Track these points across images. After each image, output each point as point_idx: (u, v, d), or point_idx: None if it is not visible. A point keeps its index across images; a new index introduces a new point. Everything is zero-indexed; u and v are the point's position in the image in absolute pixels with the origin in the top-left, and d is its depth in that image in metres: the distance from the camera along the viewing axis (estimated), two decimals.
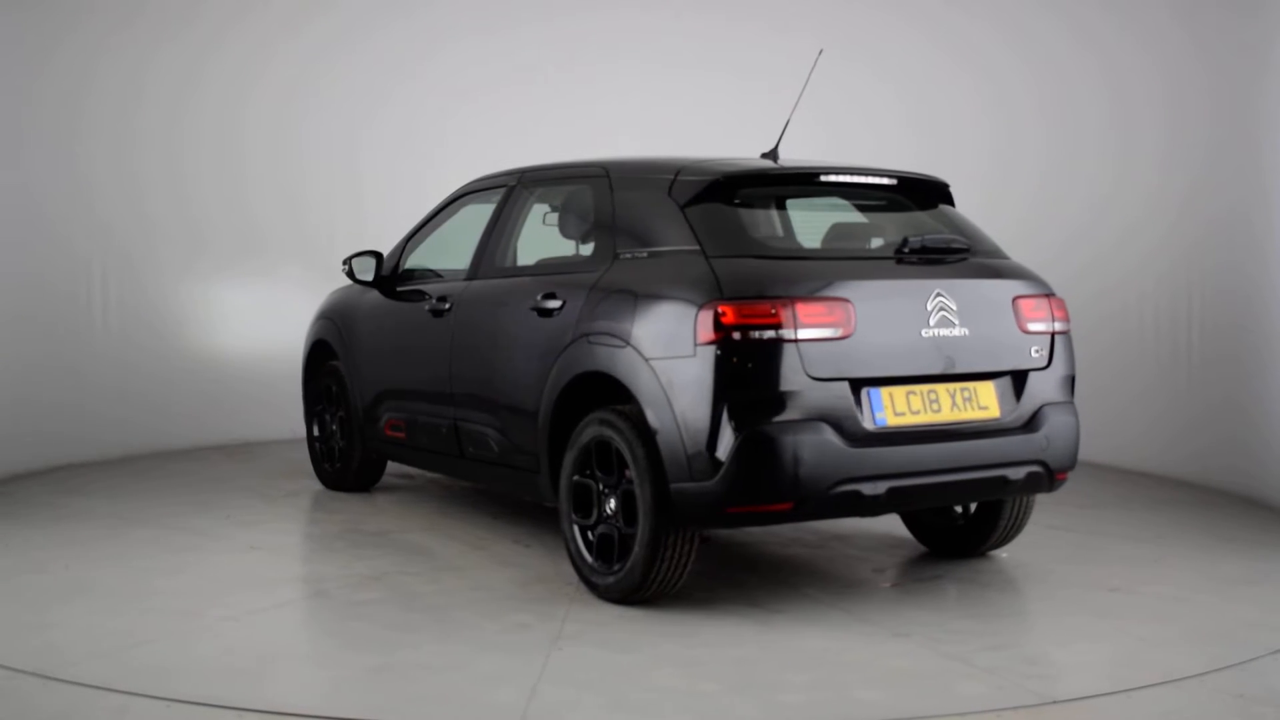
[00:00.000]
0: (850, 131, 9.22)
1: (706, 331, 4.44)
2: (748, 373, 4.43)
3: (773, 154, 5.46)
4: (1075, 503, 6.94)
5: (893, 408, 4.64)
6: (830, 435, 4.46)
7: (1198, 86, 7.76)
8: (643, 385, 4.65)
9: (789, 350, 4.44)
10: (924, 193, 5.44)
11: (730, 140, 7.97)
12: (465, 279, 5.96)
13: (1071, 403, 5.14)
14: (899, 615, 4.70)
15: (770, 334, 4.43)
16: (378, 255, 6.61)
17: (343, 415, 6.98)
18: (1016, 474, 4.90)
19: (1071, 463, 5.12)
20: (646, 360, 4.64)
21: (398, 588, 5.07)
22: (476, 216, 6.21)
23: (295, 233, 9.26)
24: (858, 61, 9.30)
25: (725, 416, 4.42)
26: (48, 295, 7.87)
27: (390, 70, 9.46)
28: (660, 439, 4.57)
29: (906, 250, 4.91)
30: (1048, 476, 5.02)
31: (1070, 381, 5.17)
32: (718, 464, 4.41)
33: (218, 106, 8.90)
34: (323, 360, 7.21)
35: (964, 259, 5.06)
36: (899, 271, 4.84)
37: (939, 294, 4.74)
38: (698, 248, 4.72)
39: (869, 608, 4.80)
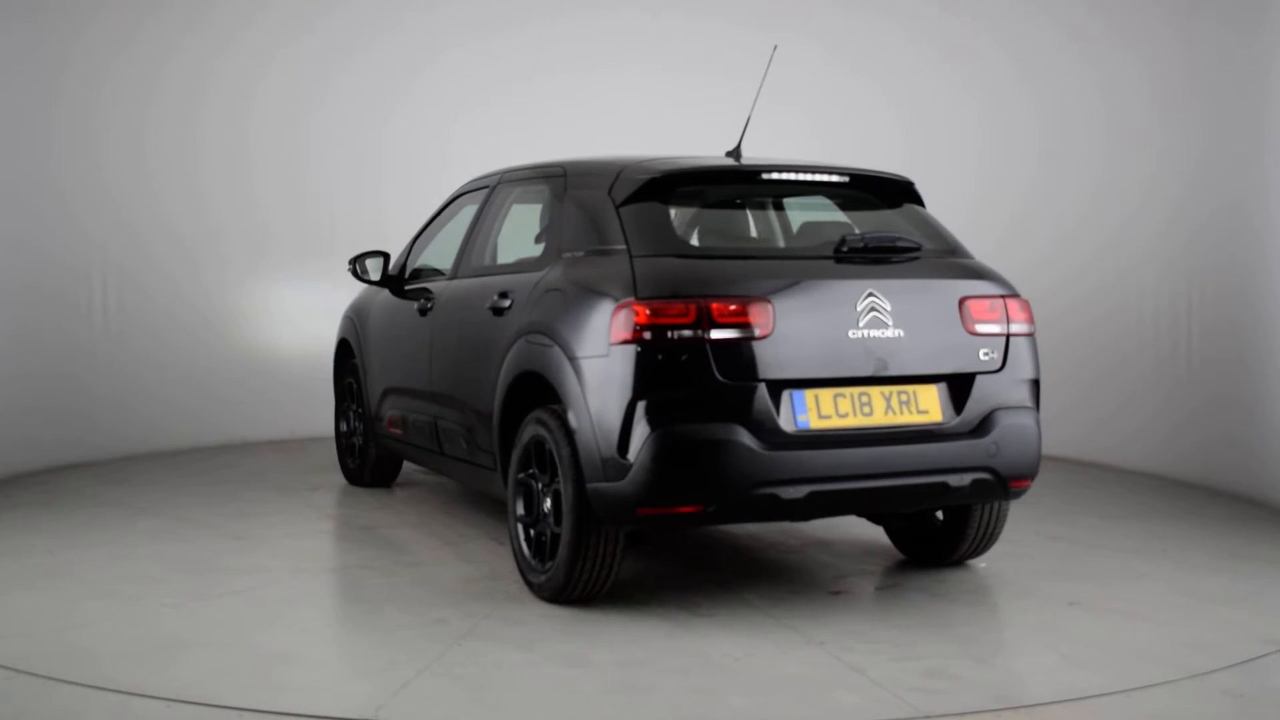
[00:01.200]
0: (842, 131, 9.40)
1: (620, 331, 4.42)
2: (659, 373, 4.39)
3: (735, 153, 5.40)
4: (1079, 509, 6.77)
5: (817, 410, 4.54)
6: (744, 437, 4.38)
7: (1194, 84, 7.78)
8: (566, 385, 4.65)
9: (702, 350, 4.39)
10: (887, 191, 5.30)
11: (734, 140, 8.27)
12: (446, 279, 6.05)
13: (1031, 408, 4.93)
14: (826, 623, 4.59)
15: (682, 334, 4.39)
16: (385, 255, 6.74)
17: (359, 411, 7.15)
18: (960, 481, 4.73)
19: (1030, 470, 4.92)
20: (570, 360, 4.64)
21: (348, 579, 5.19)
22: (469, 216, 6.30)
23: (299, 233, 9.36)
24: (851, 61, 9.57)
25: (636, 417, 4.39)
26: (48, 295, 7.98)
27: (401, 69, 9.59)
28: (578, 439, 4.57)
29: (845, 249, 4.80)
30: (999, 484, 4.83)
31: (1031, 385, 4.96)
32: (628, 465, 4.38)
33: (225, 108, 9.05)
34: (347, 358, 7.39)
35: (914, 258, 4.92)
36: (831, 271, 4.73)
37: (871, 294, 4.62)
38: (625, 247, 4.70)
39: (800, 615, 4.70)
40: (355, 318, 7.26)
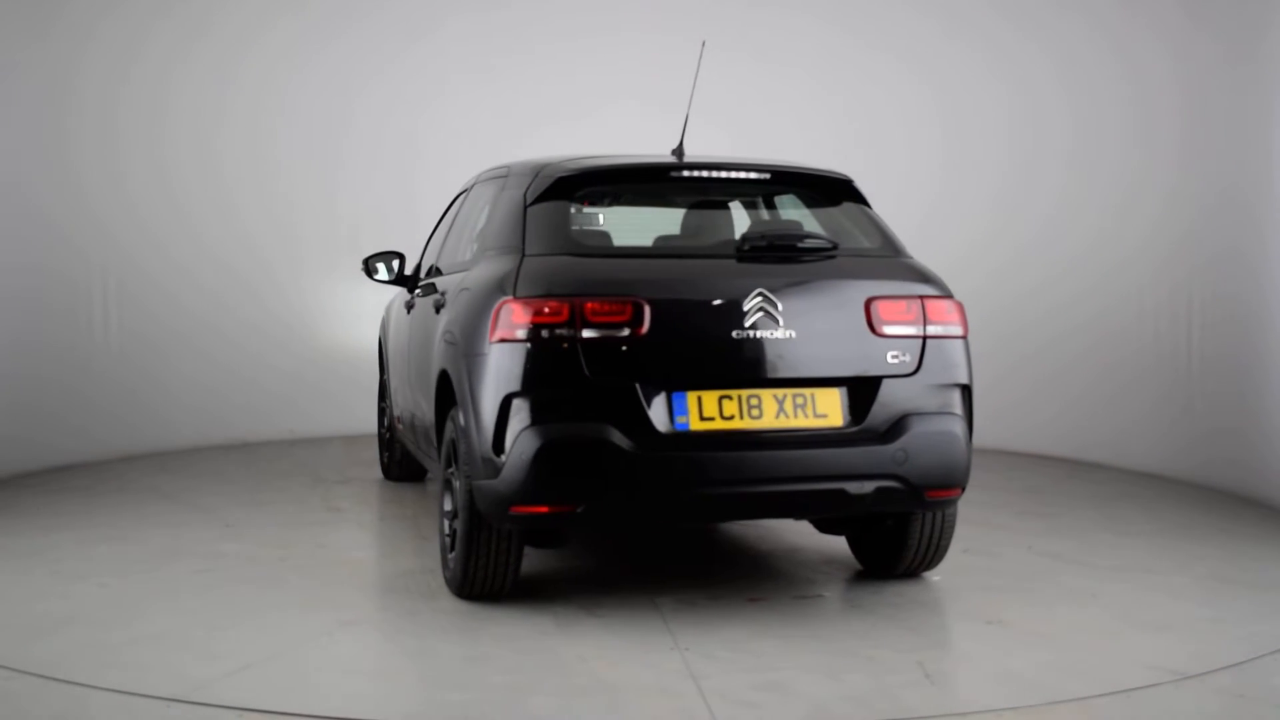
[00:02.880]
0: (863, 132, 9.48)
1: (498, 329, 4.45)
2: (530, 371, 4.39)
3: (678, 151, 5.35)
4: (1086, 521, 6.44)
5: (699, 412, 4.44)
6: (614, 438, 4.33)
7: (1193, 79, 7.80)
8: (459, 383, 4.71)
9: (573, 349, 4.37)
10: (825, 189, 5.16)
11: (735, 140, 8.59)
12: (427, 277, 6.19)
13: (954, 414, 4.68)
14: (710, 630, 4.48)
15: (554, 333, 4.38)
16: (399, 255, 6.92)
17: (386, 408, 7.39)
18: (861, 488, 4.55)
19: (949, 480, 4.68)
20: (464, 358, 4.70)
21: (285, 564, 5.39)
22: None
23: (299, 237, 9.46)
24: (874, 59, 9.58)
25: (509, 415, 4.41)
26: (49, 296, 8.03)
27: (401, 66, 9.66)
28: (465, 436, 4.62)
29: (747, 248, 4.69)
30: (911, 493, 4.62)
31: (954, 391, 4.72)
32: (502, 463, 4.40)
33: (219, 112, 9.13)
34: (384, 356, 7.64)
35: (829, 257, 4.76)
36: (720, 270, 4.63)
37: (760, 294, 4.49)
38: (520, 246, 4.72)
39: (694, 620, 4.60)
40: (385, 316, 7.50)
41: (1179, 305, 7.84)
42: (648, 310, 4.40)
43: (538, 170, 5.02)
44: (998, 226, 9.03)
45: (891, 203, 9.29)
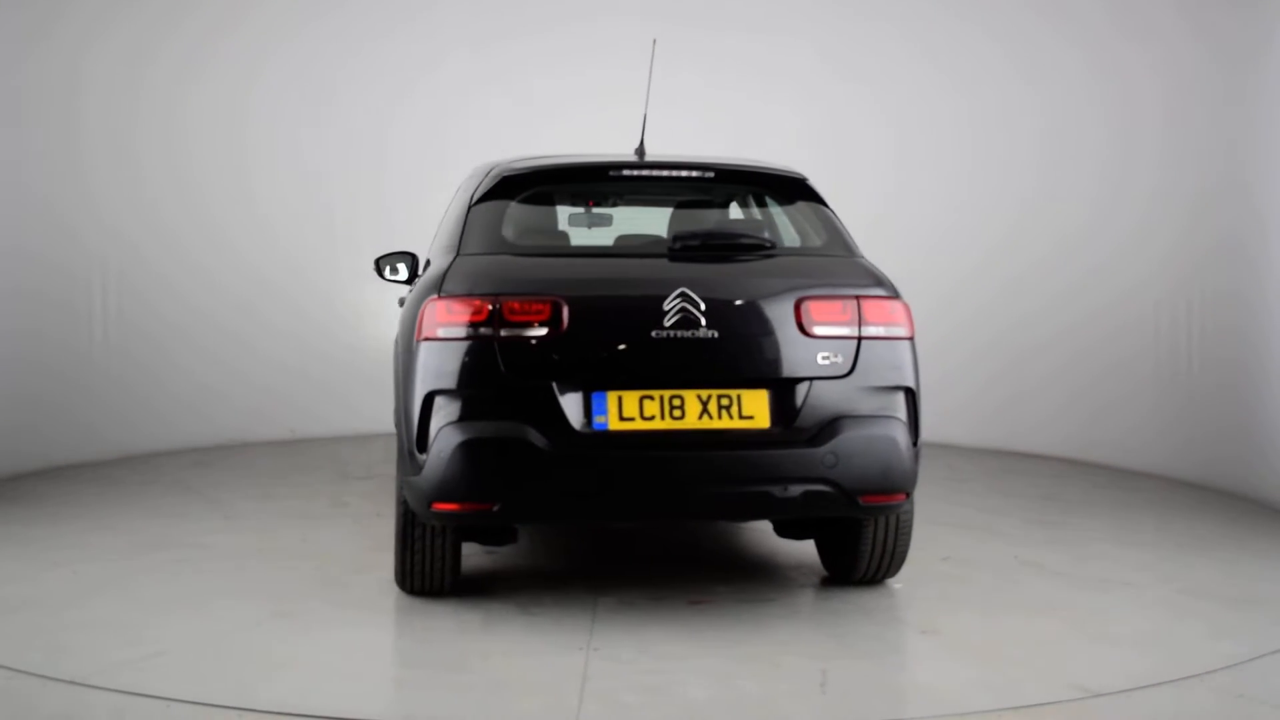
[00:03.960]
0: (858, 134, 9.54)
1: (423, 328, 4.50)
2: (451, 370, 4.42)
3: (639, 149, 5.34)
4: (1086, 531, 6.20)
5: (619, 411, 4.42)
6: (530, 437, 4.34)
7: (1198, 89, 7.77)
8: (396, 380, 4.78)
9: (491, 348, 4.39)
10: (778, 188, 5.09)
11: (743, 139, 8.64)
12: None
13: (892, 417, 4.56)
14: (635, 631, 4.44)
15: (473, 331, 4.41)
16: (410, 255, 7.02)
17: None
18: (787, 492, 4.46)
19: (885, 485, 4.55)
20: (400, 356, 4.77)
21: (257, 556, 5.52)
22: None
23: (299, 235, 9.44)
24: (852, 65, 9.60)
25: (430, 413, 4.45)
26: (49, 294, 7.99)
27: (401, 66, 9.68)
28: (398, 432, 4.68)
29: (678, 247, 4.66)
30: (844, 498, 4.51)
31: (895, 394, 4.59)
32: (424, 460, 4.45)
33: (225, 103, 9.11)
34: None
35: (767, 256, 4.70)
36: (644, 269, 4.60)
37: (683, 293, 4.44)
38: (458, 246, 4.77)
39: (624, 621, 4.56)
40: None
41: (1179, 304, 7.84)
42: (566, 310, 4.40)
43: (489, 170, 5.06)
44: (1015, 231, 9.00)
45: (912, 205, 9.51)
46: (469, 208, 4.91)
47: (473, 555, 5.51)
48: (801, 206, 5.04)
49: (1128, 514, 6.73)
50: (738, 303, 4.51)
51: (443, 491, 4.40)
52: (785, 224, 4.98)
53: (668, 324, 4.41)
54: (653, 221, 5.63)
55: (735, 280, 4.60)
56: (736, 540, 5.90)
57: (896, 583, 5.19)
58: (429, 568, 4.79)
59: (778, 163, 5.21)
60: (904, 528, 4.96)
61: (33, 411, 7.74)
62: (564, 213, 5.36)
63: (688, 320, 4.42)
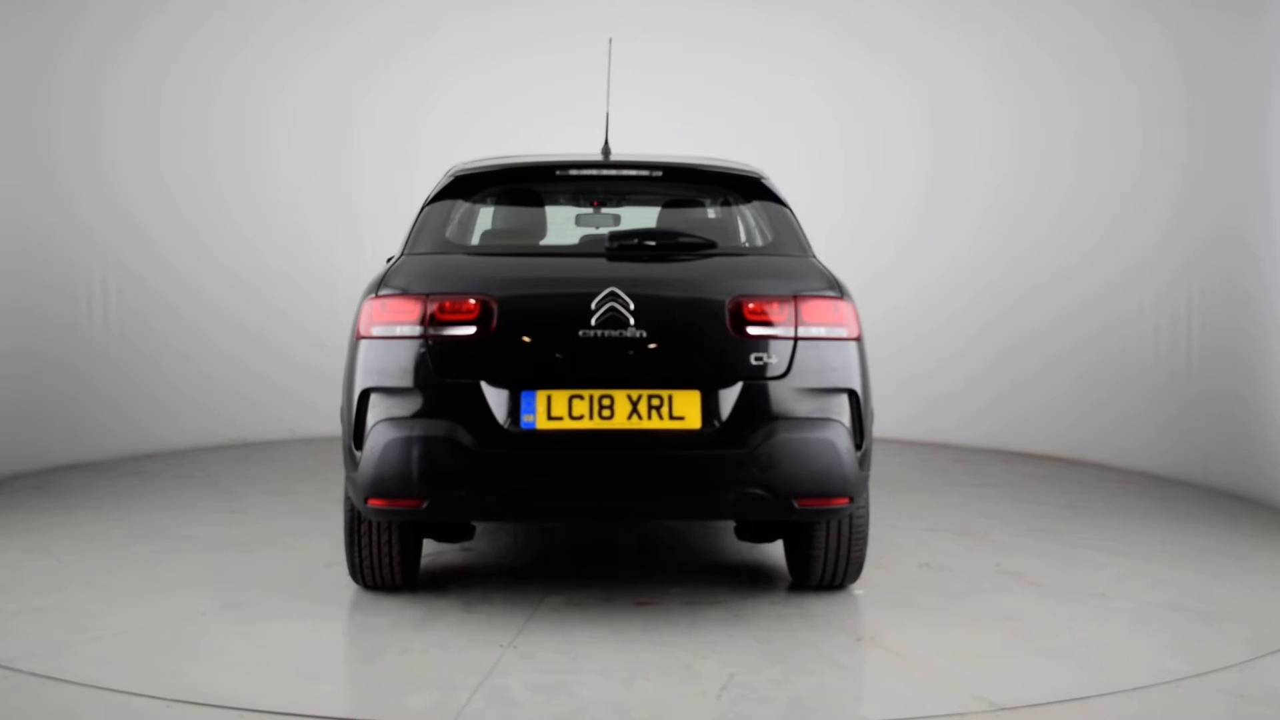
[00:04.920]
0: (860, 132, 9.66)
1: (360, 326, 4.57)
2: (385, 368, 4.48)
3: (604, 149, 5.34)
4: (1083, 537, 6.07)
5: (547, 411, 4.42)
6: (458, 435, 4.37)
7: (1198, 85, 7.79)
8: (342, 378, 4.85)
9: (420, 347, 4.44)
10: (737, 187, 5.05)
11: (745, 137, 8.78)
12: None
13: (831, 419, 4.47)
14: (562, 633, 4.43)
15: (403, 330, 4.46)
16: None
17: None
18: (718, 494, 4.42)
19: (822, 489, 4.45)
20: (347, 354, 4.83)
21: (235, 550, 5.66)
22: None
23: (302, 230, 9.42)
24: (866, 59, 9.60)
25: (365, 410, 4.51)
26: (49, 294, 7.98)
27: (402, 63, 9.65)
28: (343, 429, 4.76)
29: (615, 246, 4.65)
30: (777, 501, 4.44)
31: (835, 395, 4.50)
32: (360, 457, 4.51)
33: (241, 98, 9.13)
34: None
35: (704, 256, 4.66)
36: (580, 268, 4.60)
37: (612, 293, 4.42)
38: (405, 245, 4.84)
39: (555, 622, 4.56)
40: None
41: (1179, 304, 7.88)
42: (495, 309, 4.42)
43: (448, 170, 5.12)
44: (997, 229, 9.08)
45: (899, 205, 9.54)
46: (422, 208, 4.97)
47: (446, 551, 5.60)
48: (758, 205, 4.99)
49: (1138, 523, 6.48)
50: (671, 302, 4.48)
51: (376, 488, 4.46)
52: (739, 223, 4.93)
53: (595, 323, 4.40)
54: (636, 221, 5.62)
55: (668, 280, 4.58)
56: (707, 543, 5.84)
57: (859, 589, 5.09)
58: (377, 562, 4.85)
59: (736, 162, 5.15)
60: (858, 533, 4.86)
61: (44, 408, 7.89)
62: (515, 212, 5.37)
63: (616, 320, 4.40)
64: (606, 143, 5.34)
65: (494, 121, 9.44)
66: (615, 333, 4.40)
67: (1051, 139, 8.87)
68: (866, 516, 4.86)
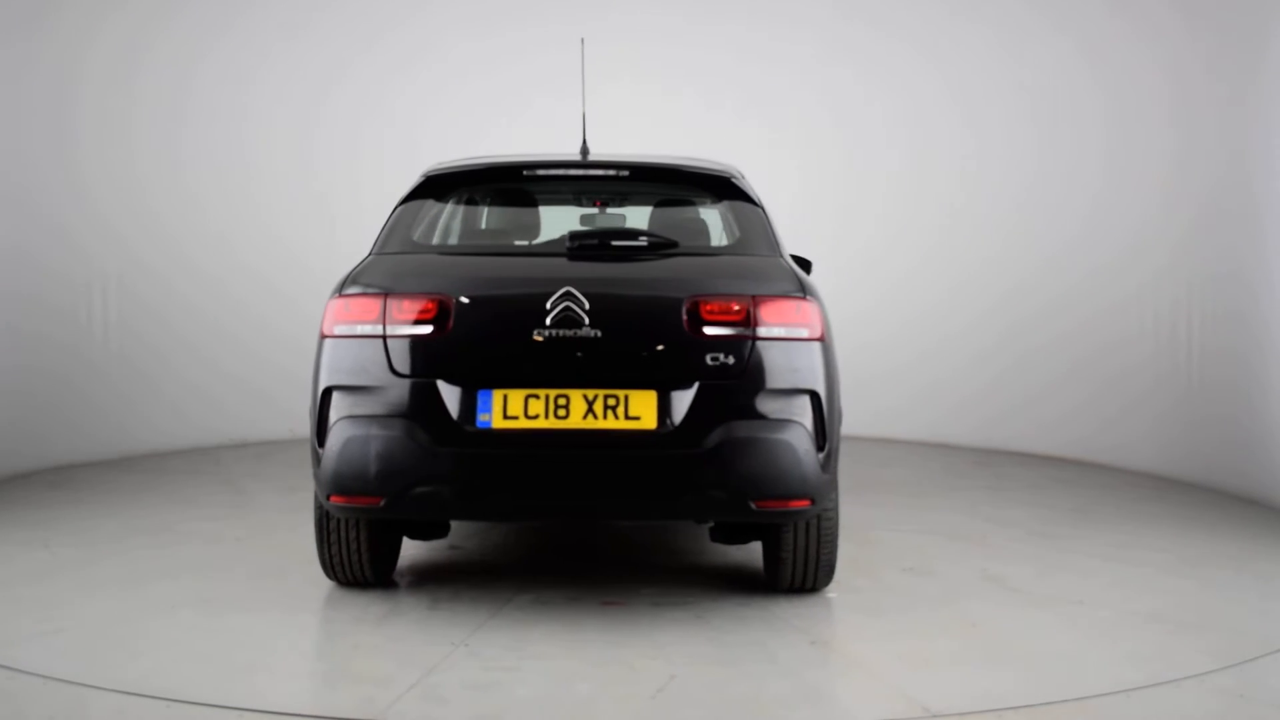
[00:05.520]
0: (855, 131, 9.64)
1: (324, 325, 4.62)
2: (346, 366, 4.52)
3: (582, 149, 5.35)
4: (1084, 543, 5.95)
5: (503, 410, 4.43)
6: (413, 434, 4.40)
7: (1199, 87, 7.80)
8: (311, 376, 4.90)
9: (378, 345, 4.47)
10: (708, 187, 5.03)
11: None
12: None
13: (787, 420, 4.42)
14: (518, 631, 4.42)
15: (363, 329, 4.50)
16: None
17: None
18: (672, 494, 4.41)
19: (780, 491, 4.41)
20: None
21: (222, 544, 5.75)
22: None
23: (298, 236, 9.28)
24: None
25: (328, 407, 4.56)
26: (48, 295, 7.96)
27: (402, 62, 9.58)
28: (310, 425, 4.82)
29: (575, 245, 4.65)
30: (734, 503, 4.42)
31: (795, 396, 4.45)
32: (322, 454, 4.57)
33: (225, 104, 9.01)
34: None
35: (665, 255, 4.65)
36: (538, 268, 4.61)
37: (568, 293, 4.42)
38: (375, 245, 4.88)
39: (515, 620, 4.56)
40: None
41: (1180, 304, 7.90)
42: (452, 308, 4.44)
43: (423, 170, 5.16)
44: (1015, 236, 9.04)
45: (909, 208, 9.50)
46: (395, 207, 5.01)
47: (436, 548, 5.63)
48: (728, 205, 4.96)
49: (1145, 529, 6.33)
50: (627, 302, 4.47)
51: (336, 485, 4.50)
52: (708, 222, 4.90)
53: (550, 323, 4.40)
54: (619, 221, 5.63)
55: (626, 279, 4.57)
56: (688, 545, 5.79)
57: (832, 592, 5.04)
58: (346, 559, 4.90)
59: (710, 161, 5.12)
60: (826, 536, 4.81)
61: (41, 407, 7.93)
62: (484, 212, 5.39)
63: (570, 319, 4.40)
64: (585, 143, 5.34)
65: (496, 121, 9.45)
66: (570, 332, 4.40)
67: (1056, 154, 8.87)
68: (835, 519, 4.81)
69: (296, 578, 5.19)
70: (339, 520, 4.81)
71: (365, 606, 4.77)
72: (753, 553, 5.51)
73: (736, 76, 9.72)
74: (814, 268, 6.83)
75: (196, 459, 8.37)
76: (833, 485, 4.64)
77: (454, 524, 6.02)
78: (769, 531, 4.89)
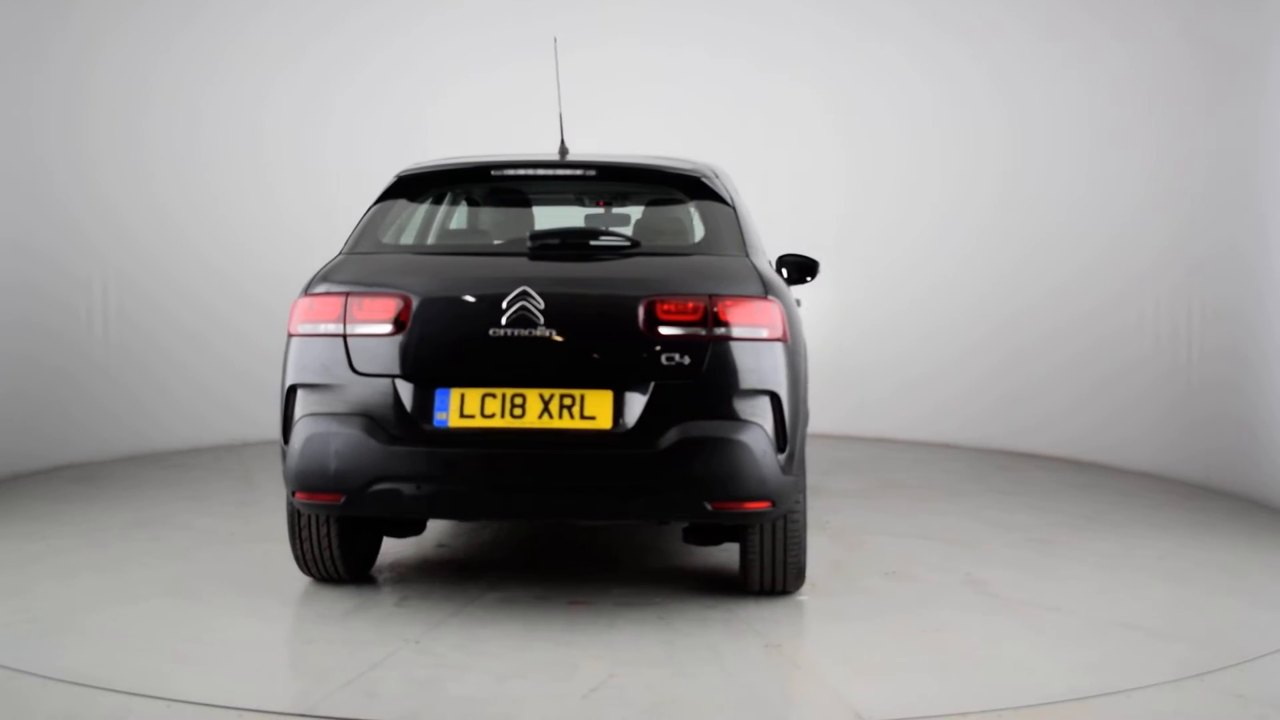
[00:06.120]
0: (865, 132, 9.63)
1: (290, 323, 4.69)
2: (309, 364, 4.58)
3: (561, 149, 5.36)
4: (1080, 550, 5.83)
5: (460, 409, 4.46)
6: (371, 431, 4.44)
7: (1199, 86, 7.78)
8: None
9: (338, 344, 4.53)
10: (680, 186, 5.01)
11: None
12: None
13: (744, 420, 4.38)
14: (471, 629, 4.44)
15: (325, 328, 4.56)
16: None
17: None
18: (630, 495, 4.40)
19: (737, 492, 4.38)
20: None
21: (212, 539, 5.84)
22: None
23: (301, 232, 9.02)
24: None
25: (293, 405, 4.62)
26: (48, 294, 7.95)
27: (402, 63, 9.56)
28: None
29: (535, 245, 4.66)
30: (688, 503, 4.41)
31: (753, 397, 4.42)
32: (286, 451, 4.63)
33: (235, 101, 9.01)
34: None
35: (625, 255, 4.64)
36: (498, 268, 4.62)
37: (524, 292, 4.43)
38: (346, 245, 4.94)
39: (475, 619, 4.58)
40: None
41: (1179, 304, 7.90)
42: (411, 307, 4.48)
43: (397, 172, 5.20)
44: (1002, 231, 9.06)
45: (903, 208, 9.46)
46: (369, 207, 5.06)
47: (424, 544, 5.68)
48: (699, 204, 4.94)
49: (1151, 536, 6.17)
50: (583, 302, 4.47)
51: (300, 482, 4.57)
52: (676, 222, 4.88)
53: (506, 322, 4.42)
54: (597, 221, 5.62)
55: (584, 279, 4.57)
56: (672, 546, 5.76)
57: (803, 595, 4.99)
58: (317, 554, 4.96)
59: (684, 160, 5.10)
60: (793, 538, 4.76)
61: (60, 402, 8.00)
62: (454, 212, 5.42)
63: (526, 319, 4.41)
64: (563, 142, 5.35)
65: (524, 129, 9.25)
66: (525, 332, 4.41)
67: (1055, 152, 8.83)
68: (802, 522, 4.77)
69: (278, 573, 5.25)
70: (310, 516, 4.87)
71: (333, 602, 4.82)
72: (732, 554, 5.47)
73: (729, 78, 9.75)
74: (820, 269, 6.78)
75: (222, 455, 8.53)
76: (797, 487, 4.60)
77: (444, 523, 6.09)
78: (741, 533, 4.86)
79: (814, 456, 8.35)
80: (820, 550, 5.73)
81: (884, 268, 9.47)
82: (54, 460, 7.83)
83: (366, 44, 9.54)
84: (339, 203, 9.04)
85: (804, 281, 6.77)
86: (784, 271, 6.67)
